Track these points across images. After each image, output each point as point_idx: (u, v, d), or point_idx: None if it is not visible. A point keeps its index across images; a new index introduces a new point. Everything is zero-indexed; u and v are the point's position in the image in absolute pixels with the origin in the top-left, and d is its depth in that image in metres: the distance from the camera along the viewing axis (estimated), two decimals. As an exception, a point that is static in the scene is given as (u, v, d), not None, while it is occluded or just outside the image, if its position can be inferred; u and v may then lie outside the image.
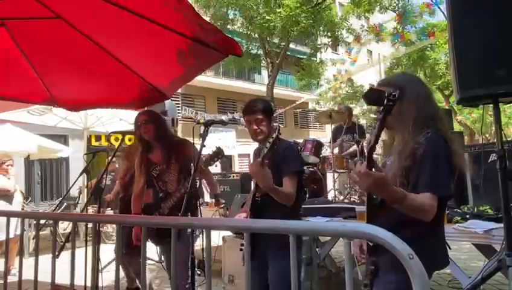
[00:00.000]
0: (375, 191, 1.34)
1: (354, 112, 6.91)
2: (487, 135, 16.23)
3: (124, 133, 3.18)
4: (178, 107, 13.62)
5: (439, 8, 10.90)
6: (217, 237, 3.97)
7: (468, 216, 2.77)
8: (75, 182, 3.69)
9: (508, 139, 3.15)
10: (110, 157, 3.28)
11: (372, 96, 1.40)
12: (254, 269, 2.09)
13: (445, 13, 2.30)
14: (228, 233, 3.87)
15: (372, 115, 20.87)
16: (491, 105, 2.19)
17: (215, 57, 2.33)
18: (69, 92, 3.21)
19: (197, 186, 2.91)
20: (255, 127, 2.14)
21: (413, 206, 1.31)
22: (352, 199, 4.70)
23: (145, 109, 3.04)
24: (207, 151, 2.56)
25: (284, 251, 1.86)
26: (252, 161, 2.24)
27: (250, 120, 2.16)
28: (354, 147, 5.12)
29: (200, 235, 3.23)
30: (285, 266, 1.90)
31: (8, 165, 5.12)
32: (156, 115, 2.88)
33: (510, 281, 2.11)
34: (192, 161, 2.62)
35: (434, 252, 1.42)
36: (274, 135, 1.82)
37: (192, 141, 2.68)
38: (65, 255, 2.24)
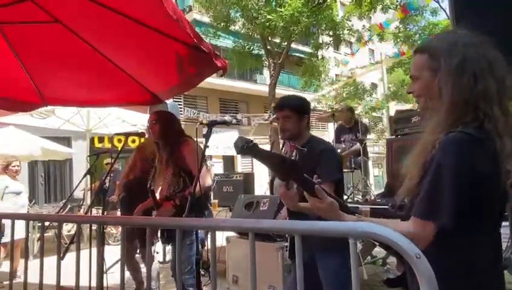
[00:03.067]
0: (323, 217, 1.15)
1: (356, 111, 6.90)
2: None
3: (127, 135, 3.19)
4: (180, 108, 13.64)
5: (441, 6, 10.87)
6: (220, 238, 3.98)
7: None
8: (78, 183, 3.71)
9: None
10: (112, 159, 3.30)
11: (236, 145, 1.17)
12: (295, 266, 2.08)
13: (448, 12, 2.29)
14: (232, 234, 3.87)
15: (374, 114, 20.86)
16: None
17: (211, 68, 2.31)
18: (64, 93, 3.23)
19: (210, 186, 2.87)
20: (281, 124, 2.01)
21: None
22: (356, 199, 4.69)
23: (158, 109, 3.05)
24: (209, 152, 2.56)
25: (332, 252, 1.83)
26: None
27: (278, 117, 2.06)
28: (357, 146, 5.11)
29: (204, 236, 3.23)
30: (337, 268, 1.85)
31: (14, 166, 5.17)
32: (165, 115, 2.88)
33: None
34: (191, 161, 2.61)
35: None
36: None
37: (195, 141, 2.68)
38: (70, 256, 2.24)
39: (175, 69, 2.52)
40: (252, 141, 1.12)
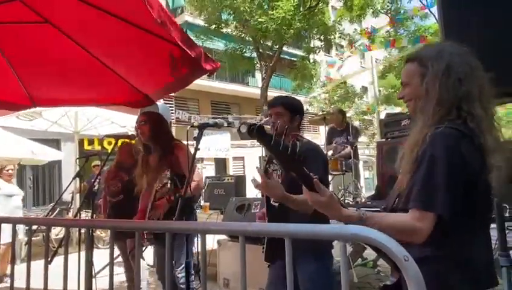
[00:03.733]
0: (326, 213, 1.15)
1: (347, 114, 6.95)
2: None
3: (117, 137, 3.16)
4: (172, 110, 13.57)
5: (430, 11, 11.03)
6: (211, 241, 3.96)
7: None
8: (67, 186, 3.67)
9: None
10: (102, 162, 3.26)
11: (241, 129, 1.15)
12: (278, 268, 2.04)
13: (437, 16, 2.33)
14: (223, 237, 3.85)
15: (366, 117, 21.03)
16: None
17: (202, 70, 2.30)
18: (54, 94, 3.19)
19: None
20: (273, 120, 2.00)
21: (387, 229, 1.04)
22: (346, 201, 4.72)
23: (147, 109, 3.00)
24: (200, 154, 2.54)
25: (312, 254, 1.79)
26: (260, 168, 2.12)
27: (271, 113, 2.05)
28: (348, 149, 5.14)
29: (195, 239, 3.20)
30: (315, 271, 1.80)
31: (8, 170, 5.10)
32: (155, 116, 2.84)
33: (504, 280, 2.13)
34: (183, 165, 2.59)
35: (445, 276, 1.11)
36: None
37: (186, 144, 2.66)
38: (59, 261, 2.21)
39: (166, 69, 2.49)
40: (257, 124, 1.12)
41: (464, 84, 1.16)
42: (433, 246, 1.08)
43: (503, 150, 1.14)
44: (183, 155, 2.66)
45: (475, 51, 2.04)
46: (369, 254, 4.64)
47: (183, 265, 2.62)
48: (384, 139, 4.08)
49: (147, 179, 2.78)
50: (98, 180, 3.36)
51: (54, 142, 11.15)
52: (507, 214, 2.60)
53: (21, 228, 4.60)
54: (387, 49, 16.52)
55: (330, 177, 5.30)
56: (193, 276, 2.80)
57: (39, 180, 12.29)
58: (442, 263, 1.11)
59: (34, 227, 3.75)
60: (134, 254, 2.86)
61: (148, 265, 4.56)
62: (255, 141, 1.10)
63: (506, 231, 2.30)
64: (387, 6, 14.03)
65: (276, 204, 1.90)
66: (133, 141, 3.62)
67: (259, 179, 1.71)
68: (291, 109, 2.05)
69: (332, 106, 17.28)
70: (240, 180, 5.02)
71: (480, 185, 1.11)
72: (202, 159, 14.52)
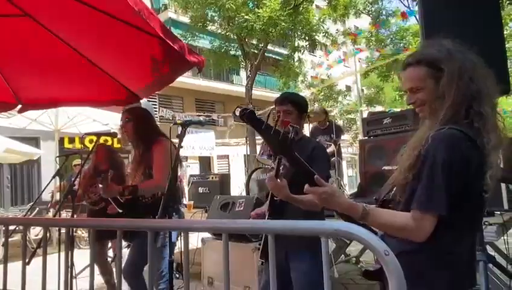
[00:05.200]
0: (326, 205, 1.18)
1: (331, 113, 7.02)
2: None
3: (98, 135, 3.09)
4: (155, 108, 13.40)
5: (415, 17, 11.23)
6: (195, 240, 3.93)
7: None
8: (47, 185, 3.58)
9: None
10: (82, 161, 3.19)
11: (234, 113, 1.31)
12: (268, 274, 2.05)
13: (418, 18, 2.38)
14: (207, 235, 3.83)
15: (349, 116, 21.30)
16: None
17: (186, 64, 2.26)
18: (38, 92, 3.10)
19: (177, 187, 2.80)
20: (282, 118, 1.98)
21: (387, 226, 1.11)
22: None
23: (130, 106, 2.93)
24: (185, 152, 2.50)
25: (305, 252, 1.84)
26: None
27: (279, 110, 2.04)
28: (332, 147, 5.19)
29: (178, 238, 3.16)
30: (308, 268, 1.87)
31: None
32: (139, 112, 2.78)
33: (480, 275, 2.19)
34: (157, 160, 2.52)
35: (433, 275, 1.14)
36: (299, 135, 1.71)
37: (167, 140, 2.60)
38: (38, 262, 2.15)
39: (151, 64, 2.45)
40: (249, 109, 1.15)
41: (474, 82, 1.15)
42: (423, 243, 1.10)
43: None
44: (158, 151, 2.57)
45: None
46: (352, 250, 4.71)
47: (160, 272, 2.57)
48: (366, 137, 4.13)
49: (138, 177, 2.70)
50: (78, 179, 3.28)
51: (33, 140, 10.85)
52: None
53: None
54: (371, 50, 16.78)
55: (314, 175, 5.34)
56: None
57: (17, 179, 11.94)
58: (424, 260, 1.13)
59: (12, 227, 3.64)
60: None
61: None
62: (243, 137, 1.15)
63: (483, 226, 2.37)
64: (369, 6, 14.23)
65: (278, 199, 1.90)
66: (115, 139, 3.55)
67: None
68: (300, 107, 2.05)
69: (315, 104, 17.41)
70: (225, 179, 5.00)
71: (477, 187, 1.12)
72: (187, 158, 14.41)
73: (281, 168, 1.64)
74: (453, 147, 1.09)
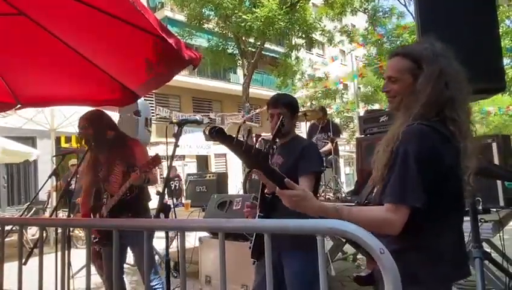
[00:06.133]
0: (297, 209, 1.17)
1: (328, 111, 7.04)
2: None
3: (95, 134, 3.08)
4: (152, 107, 13.36)
5: (412, 15, 11.25)
6: (193, 239, 3.93)
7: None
8: (43, 185, 3.56)
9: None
10: (78, 160, 3.18)
11: (204, 131, 1.29)
12: (262, 266, 2.05)
13: (414, 15, 2.39)
14: (205, 234, 3.83)
15: (346, 114, 21.31)
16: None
17: (182, 61, 2.25)
18: (36, 92, 3.08)
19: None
20: (276, 120, 2.01)
21: (362, 222, 1.05)
22: (327, 197, 4.78)
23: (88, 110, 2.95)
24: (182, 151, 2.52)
25: (298, 251, 1.85)
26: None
27: (272, 113, 2.07)
28: (329, 145, 5.20)
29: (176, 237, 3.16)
30: (300, 268, 1.88)
31: None
32: (95, 116, 2.80)
33: (477, 271, 2.21)
34: (138, 162, 2.58)
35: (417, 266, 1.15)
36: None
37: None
38: (34, 262, 2.14)
39: (148, 61, 2.43)
40: (218, 127, 1.16)
41: (449, 89, 1.18)
42: (406, 238, 1.11)
43: (478, 153, 1.18)
44: (140, 152, 2.70)
45: (450, 48, 2.12)
46: (350, 248, 4.72)
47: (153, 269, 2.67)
48: (363, 135, 4.14)
49: (100, 176, 2.76)
50: (75, 178, 3.27)
51: (30, 140, 10.80)
52: (480, 207, 2.69)
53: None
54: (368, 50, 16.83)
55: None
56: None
57: (14, 179, 11.88)
58: (414, 256, 1.14)
59: (8, 227, 3.63)
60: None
61: (128, 264, 4.50)
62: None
63: (479, 223, 2.38)
64: (365, 4, 14.22)
65: (269, 197, 1.92)
66: None
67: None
68: (292, 108, 2.08)
69: (313, 102, 17.43)
70: (222, 178, 5.00)
71: (452, 179, 1.14)
72: (184, 157, 14.39)
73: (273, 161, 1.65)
74: (424, 140, 1.12)
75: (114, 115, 3.42)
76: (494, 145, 3.07)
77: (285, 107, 2.06)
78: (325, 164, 5.08)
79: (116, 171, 2.70)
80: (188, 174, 5.72)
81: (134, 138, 2.89)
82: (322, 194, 4.98)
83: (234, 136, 1.15)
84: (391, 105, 1.31)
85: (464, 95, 1.21)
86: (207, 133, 1.16)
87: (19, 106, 3.17)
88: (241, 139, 1.14)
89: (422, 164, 1.10)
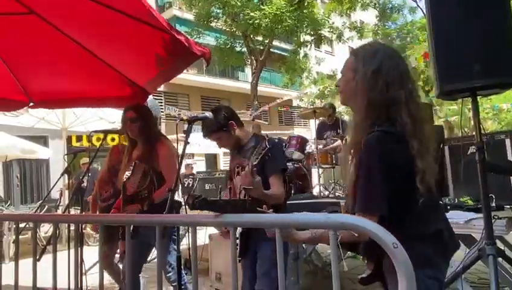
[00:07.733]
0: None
1: (337, 109, 7.00)
2: (466, 129, 16.65)
3: (106, 133, 3.10)
4: (161, 105, 13.44)
5: (422, 11, 11.10)
6: (203, 236, 3.95)
7: (449, 207, 2.85)
8: (55, 183, 3.61)
9: (486, 132, 3.25)
10: (90, 158, 3.20)
11: (187, 202, 1.32)
12: (247, 266, 2.10)
13: (424, 11, 2.35)
14: (215, 231, 3.85)
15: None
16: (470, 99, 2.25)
17: (192, 56, 2.26)
18: (48, 90, 3.12)
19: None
20: (219, 145, 2.26)
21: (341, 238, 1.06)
22: (337, 194, 4.76)
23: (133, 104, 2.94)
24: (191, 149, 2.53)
25: (271, 242, 1.91)
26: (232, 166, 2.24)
27: (212, 140, 2.24)
28: (338, 142, 5.18)
29: (186, 234, 3.17)
30: (263, 260, 1.97)
31: None
32: (143, 111, 2.77)
33: (490, 269, 2.17)
34: (165, 165, 2.56)
35: None
36: (263, 144, 1.92)
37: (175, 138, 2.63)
38: (48, 259, 2.18)
39: (157, 57, 2.44)
40: (200, 195, 1.23)
41: (390, 90, 1.18)
42: (401, 232, 1.08)
43: (431, 154, 1.19)
44: (164, 155, 2.60)
45: (462, 42, 2.08)
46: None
47: (171, 264, 2.64)
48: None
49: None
50: (86, 177, 3.31)
51: (42, 139, 10.98)
52: (493, 204, 2.65)
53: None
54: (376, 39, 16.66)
55: (321, 171, 5.34)
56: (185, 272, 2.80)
57: (26, 178, 12.09)
58: (415, 243, 1.12)
59: (22, 225, 3.70)
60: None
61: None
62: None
63: (492, 220, 2.34)
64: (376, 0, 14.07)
65: (242, 195, 2.00)
66: (123, 137, 3.56)
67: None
68: (222, 126, 2.15)
69: (322, 100, 17.32)
70: (231, 175, 5.01)
71: (411, 179, 1.14)
72: (193, 155, 14.45)
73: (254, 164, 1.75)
74: (383, 147, 1.13)
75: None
76: (508, 141, 3.02)
77: (216, 133, 2.16)
78: (334, 161, 5.08)
79: (136, 171, 2.66)
80: (198, 172, 5.75)
81: (164, 137, 2.78)
82: (332, 191, 4.98)
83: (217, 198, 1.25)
84: (340, 99, 1.37)
85: (408, 96, 1.20)
86: (190, 202, 1.22)
87: (31, 104, 3.22)
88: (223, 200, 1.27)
89: (384, 173, 1.12)
